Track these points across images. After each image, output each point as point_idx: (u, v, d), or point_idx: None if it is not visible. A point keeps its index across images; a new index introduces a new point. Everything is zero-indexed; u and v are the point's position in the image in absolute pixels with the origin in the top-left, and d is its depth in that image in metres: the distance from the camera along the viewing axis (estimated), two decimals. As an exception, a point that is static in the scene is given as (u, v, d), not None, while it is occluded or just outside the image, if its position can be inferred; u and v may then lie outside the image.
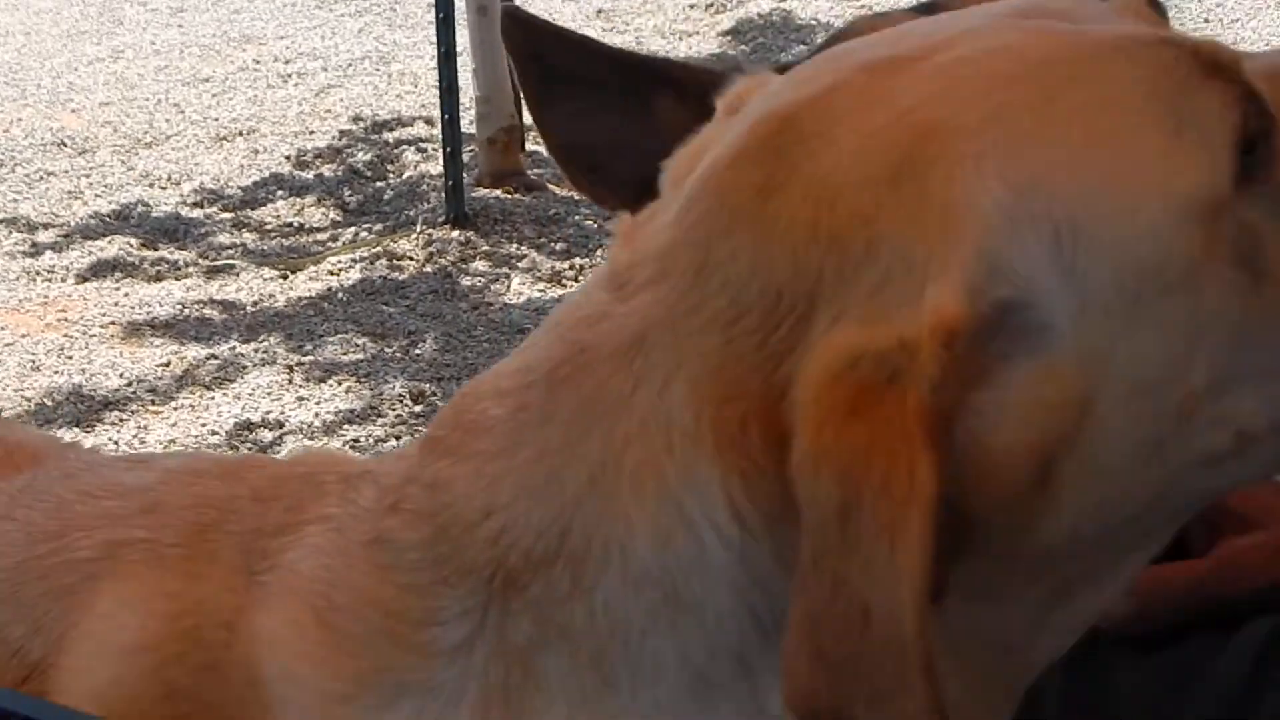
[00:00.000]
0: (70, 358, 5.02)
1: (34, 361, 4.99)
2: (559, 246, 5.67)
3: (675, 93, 1.62)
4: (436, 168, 6.09)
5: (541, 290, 5.30)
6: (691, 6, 7.94)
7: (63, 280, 5.57)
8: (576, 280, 5.26)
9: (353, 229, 5.74)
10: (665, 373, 1.04)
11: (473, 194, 6.00)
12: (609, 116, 1.66)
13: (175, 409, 4.70)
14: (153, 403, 4.74)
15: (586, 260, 5.44)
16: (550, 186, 5.85)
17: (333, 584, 1.16)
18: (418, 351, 4.94)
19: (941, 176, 0.99)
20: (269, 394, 4.72)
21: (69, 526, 1.26)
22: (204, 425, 4.59)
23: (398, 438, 4.45)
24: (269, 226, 5.81)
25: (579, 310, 1.12)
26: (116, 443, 4.48)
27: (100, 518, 1.27)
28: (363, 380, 4.75)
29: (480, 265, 5.53)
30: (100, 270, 5.61)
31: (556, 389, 1.10)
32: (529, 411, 1.11)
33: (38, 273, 5.63)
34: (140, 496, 1.28)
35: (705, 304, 1.03)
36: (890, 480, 0.94)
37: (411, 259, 5.50)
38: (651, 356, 1.06)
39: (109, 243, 5.80)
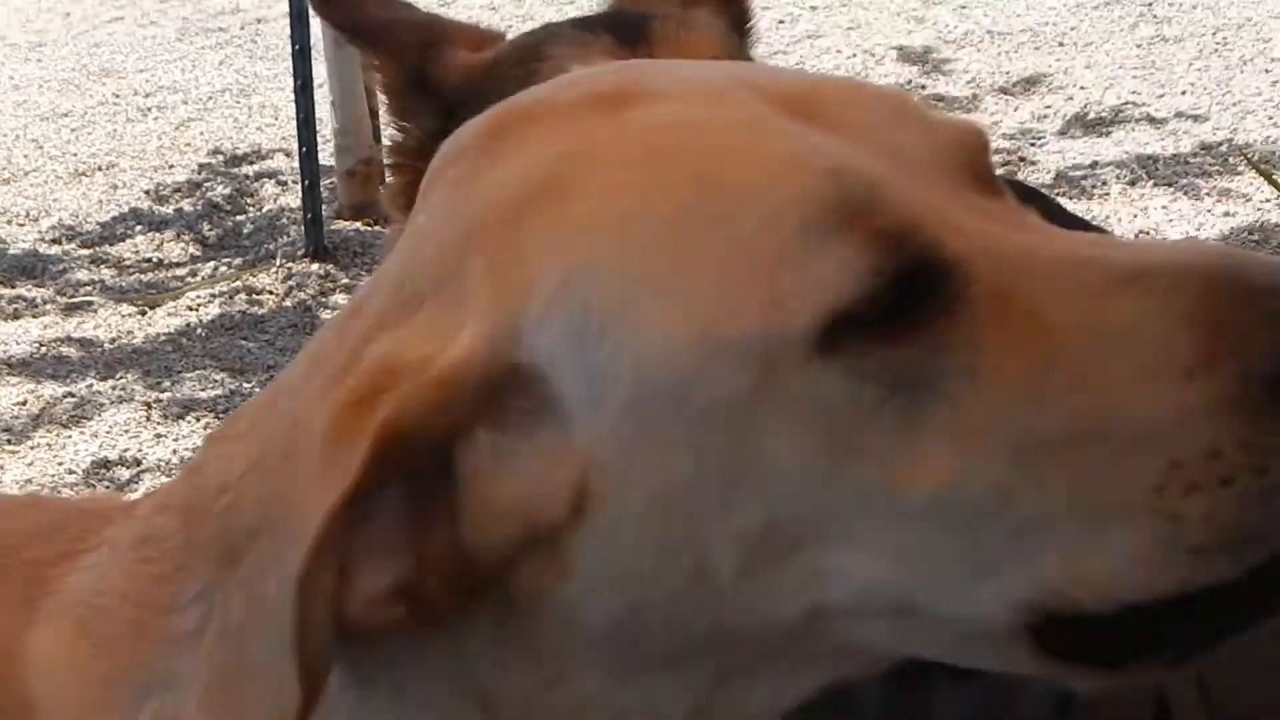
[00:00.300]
0: (-76, 397, 4.98)
1: (-116, 399, 4.94)
2: (418, 279, 5.54)
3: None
4: (296, 201, 6.03)
5: (400, 323, 5.23)
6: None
7: (-83, 318, 5.49)
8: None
9: (212, 264, 5.71)
10: (354, 339, 1.10)
11: (332, 227, 5.99)
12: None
13: (32, 448, 4.64)
14: (9, 442, 4.68)
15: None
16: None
17: (98, 591, 1.18)
18: (276, 387, 4.81)
19: (528, 232, 1.03)
20: (126, 431, 4.66)
21: None
22: (60, 464, 4.53)
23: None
24: (127, 262, 5.77)
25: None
26: (-33, 482, 4.44)
27: None
28: (221, 416, 4.68)
29: (340, 299, 5.47)
30: (-43, 309, 5.56)
31: (305, 358, 1.17)
32: (267, 406, 1.17)
33: (-107, 310, 5.56)
34: None
35: (393, 267, 1.13)
36: (341, 471, 0.99)
37: (271, 293, 5.45)
38: (355, 322, 1.12)
39: (-36, 282, 5.76)
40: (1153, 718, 1.28)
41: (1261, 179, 5.11)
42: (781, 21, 7.82)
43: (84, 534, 1.25)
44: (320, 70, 5.93)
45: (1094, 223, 2.30)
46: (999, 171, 1.12)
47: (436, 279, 1.06)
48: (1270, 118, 6.28)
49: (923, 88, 6.88)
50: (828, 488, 0.97)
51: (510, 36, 1.90)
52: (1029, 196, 2.33)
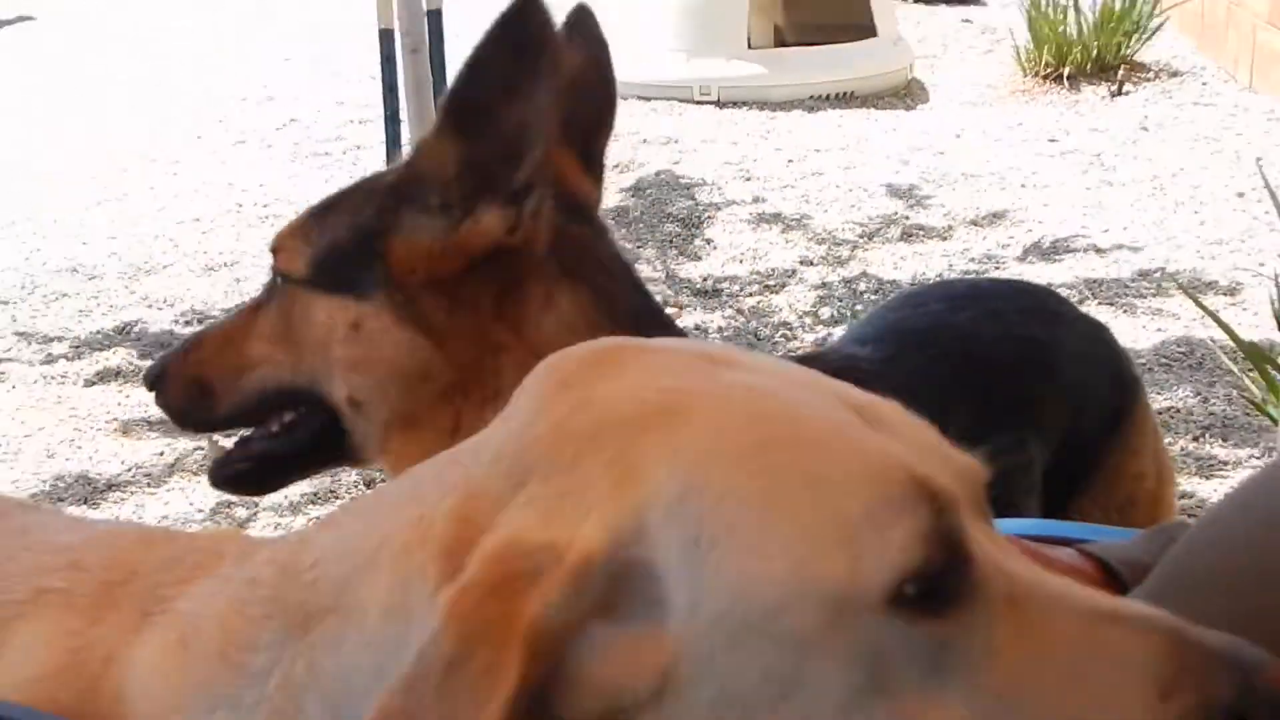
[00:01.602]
0: (80, 448, 5.01)
1: (48, 450, 4.99)
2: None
3: None
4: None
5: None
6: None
7: (73, 384, 5.54)
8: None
9: (317, 345, 5.75)
10: (451, 485, 1.16)
11: None
12: None
13: (168, 490, 4.70)
14: (148, 485, 4.75)
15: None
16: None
17: (201, 615, 1.25)
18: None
19: (648, 444, 1.07)
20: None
21: (8, 573, 1.35)
22: (191, 504, 4.60)
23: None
24: (247, 342, 5.80)
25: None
26: (118, 517, 4.47)
27: (32, 570, 1.35)
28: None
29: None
30: (105, 377, 5.58)
31: (392, 489, 1.26)
32: (375, 501, 1.27)
33: (52, 378, 5.59)
34: (68, 554, 1.36)
35: (497, 444, 1.16)
36: (491, 666, 1.01)
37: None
38: (453, 471, 1.18)
39: (112, 354, 5.78)
40: None
41: (1189, 301, 5.15)
42: (791, 161, 7.84)
43: (202, 565, 1.31)
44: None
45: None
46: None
47: (548, 465, 1.09)
48: (1197, 251, 6.30)
49: (907, 218, 6.91)
50: (859, 714, 1.03)
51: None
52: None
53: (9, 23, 13.68)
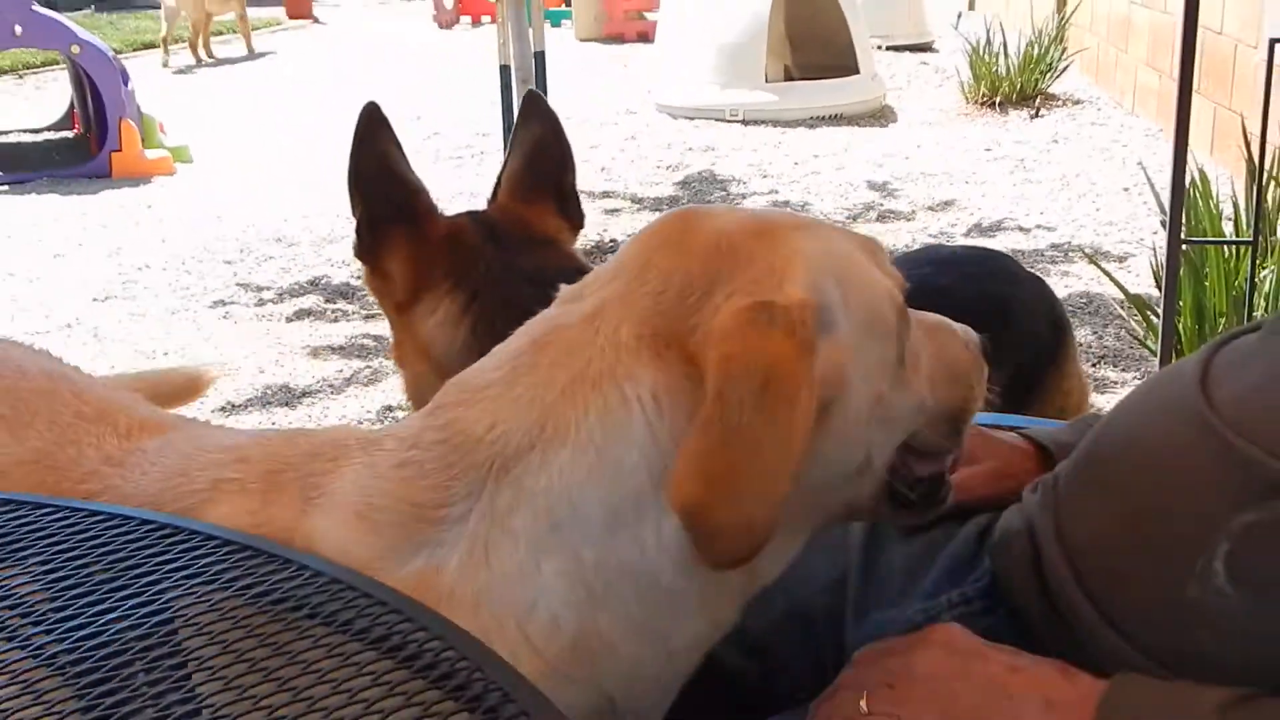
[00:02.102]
0: (282, 366, 4.99)
1: (260, 368, 4.97)
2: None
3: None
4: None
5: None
6: (657, 167, 7.95)
7: (278, 321, 5.53)
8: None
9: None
10: (616, 323, 1.09)
11: None
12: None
13: (345, 399, 4.67)
14: (331, 394, 4.72)
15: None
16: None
17: (370, 493, 1.14)
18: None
19: (785, 237, 1.10)
20: (402, 390, 4.71)
21: (190, 469, 1.25)
22: (363, 408, 4.56)
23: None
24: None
25: (543, 318, 1.17)
26: (310, 418, 4.48)
27: (208, 465, 1.25)
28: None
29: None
30: (300, 315, 5.57)
31: (539, 351, 1.12)
32: (520, 367, 1.12)
33: (262, 316, 5.59)
34: (234, 452, 1.25)
35: (644, 287, 1.10)
36: (795, 372, 0.99)
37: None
38: (608, 315, 1.10)
39: (305, 299, 5.77)
40: (1031, 556, 1.24)
41: (1089, 266, 5.09)
42: (796, 164, 7.79)
43: (336, 457, 1.20)
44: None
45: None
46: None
47: (726, 273, 1.07)
48: (1094, 230, 6.21)
49: (882, 205, 6.84)
50: (894, 375, 1.15)
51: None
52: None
53: (255, 58, 13.69)
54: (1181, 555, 1.07)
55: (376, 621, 1.03)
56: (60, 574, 1.09)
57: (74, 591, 1.06)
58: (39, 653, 0.99)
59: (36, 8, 7.86)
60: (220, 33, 15.28)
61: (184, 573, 1.09)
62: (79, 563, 1.11)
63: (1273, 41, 2.76)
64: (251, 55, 14.09)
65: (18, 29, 7.79)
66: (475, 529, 1.09)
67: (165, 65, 13.02)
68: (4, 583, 1.07)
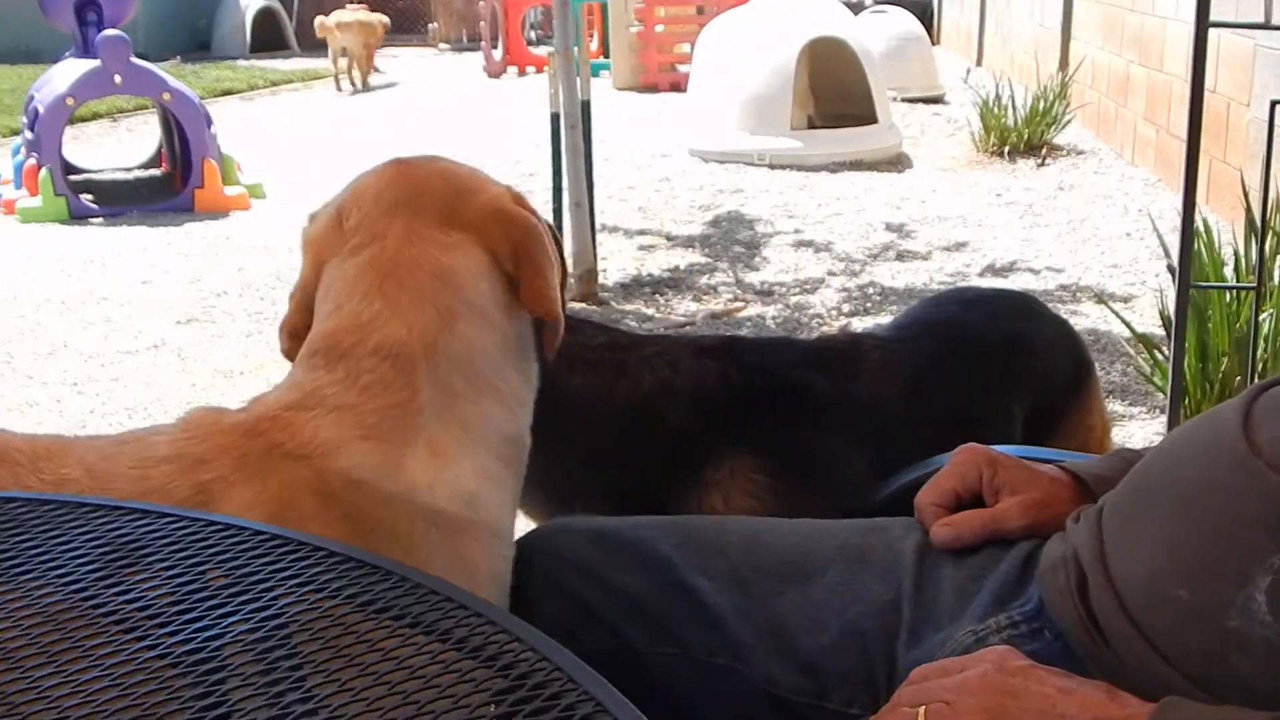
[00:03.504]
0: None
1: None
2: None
3: None
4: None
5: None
6: (690, 207, 7.95)
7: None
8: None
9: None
10: (422, 236, 1.41)
11: (570, 309, 5.86)
12: None
13: None
14: None
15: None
16: (611, 304, 5.86)
17: (361, 419, 1.32)
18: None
19: (462, 171, 1.52)
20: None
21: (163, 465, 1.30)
22: None
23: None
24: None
25: (367, 258, 1.41)
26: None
27: (170, 459, 1.31)
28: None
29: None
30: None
31: (388, 277, 1.38)
32: (387, 292, 1.37)
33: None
34: (183, 444, 1.33)
35: (416, 209, 1.42)
36: (538, 221, 1.45)
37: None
38: (413, 234, 1.40)
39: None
40: (1076, 585, 1.22)
41: (1096, 306, 5.07)
42: (819, 205, 7.77)
43: (290, 420, 1.31)
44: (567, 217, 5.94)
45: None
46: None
47: (453, 194, 1.45)
48: (1100, 272, 6.18)
49: (899, 245, 6.81)
50: None
51: None
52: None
53: (380, 88, 13.78)
54: (1224, 587, 1.07)
55: (475, 632, 1.03)
56: (184, 578, 1.09)
57: (197, 595, 1.07)
58: (167, 653, 1.00)
59: (134, 60, 7.98)
60: (289, 80, 15.40)
61: (296, 580, 1.10)
62: (201, 568, 1.11)
63: (1274, 103, 2.74)
64: (365, 88, 15.06)
65: (117, 78, 7.95)
66: (437, 400, 1.33)
67: (340, 90, 14.99)
68: (135, 585, 1.08)
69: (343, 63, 14.93)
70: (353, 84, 15.06)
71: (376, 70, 15.64)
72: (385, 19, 15.26)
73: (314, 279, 1.43)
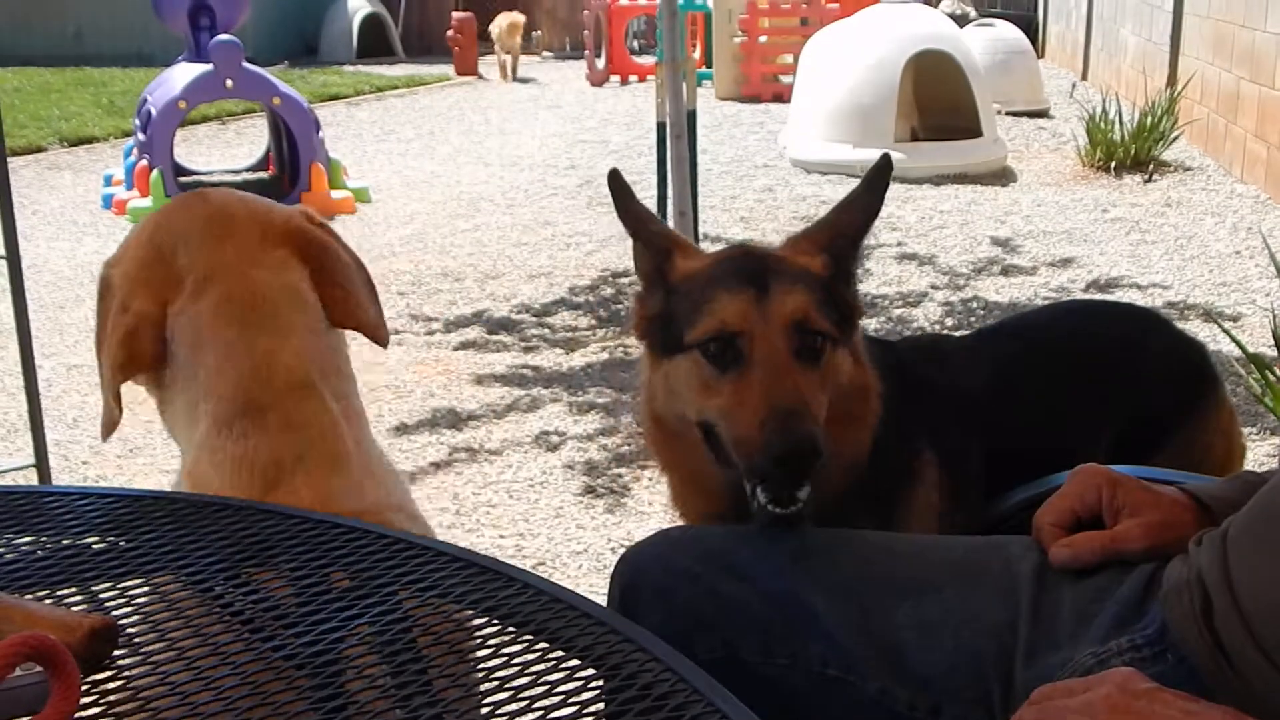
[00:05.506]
0: (450, 391, 5.04)
1: (429, 393, 5.03)
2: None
3: None
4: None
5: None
6: (791, 218, 7.89)
7: (445, 349, 5.58)
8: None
9: (604, 329, 5.77)
10: (256, 266, 1.52)
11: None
12: None
13: (506, 423, 4.69)
14: (494, 418, 4.74)
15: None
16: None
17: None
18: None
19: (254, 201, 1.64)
20: (557, 417, 4.72)
21: None
22: (522, 432, 4.59)
23: (628, 446, 4.43)
24: (557, 326, 5.84)
25: (210, 307, 1.49)
26: (474, 440, 4.50)
27: None
28: (610, 414, 4.76)
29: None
30: (465, 345, 5.62)
31: (248, 312, 1.47)
32: (248, 332, 1.45)
33: (431, 344, 5.64)
34: None
35: (231, 238, 1.53)
36: (328, 236, 1.66)
37: (635, 347, 5.46)
38: (247, 262, 1.51)
39: (470, 330, 5.82)
40: (1201, 609, 1.20)
41: (1203, 324, 4.96)
42: (923, 219, 7.71)
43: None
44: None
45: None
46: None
47: (263, 217, 1.56)
48: (1208, 290, 6.06)
49: (1005, 260, 6.73)
50: None
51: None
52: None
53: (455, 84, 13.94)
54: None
55: (598, 640, 1.03)
56: (310, 580, 1.11)
57: (323, 597, 1.08)
58: (294, 654, 1.01)
59: (246, 65, 8.11)
60: (394, 86, 15.60)
61: (419, 584, 1.11)
62: (325, 570, 1.13)
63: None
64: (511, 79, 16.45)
65: (229, 82, 8.07)
66: (334, 422, 1.44)
67: (505, 79, 16.45)
68: (263, 585, 1.10)
69: (506, 59, 16.43)
70: (510, 76, 16.50)
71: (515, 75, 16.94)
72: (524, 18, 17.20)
73: (157, 313, 1.43)
